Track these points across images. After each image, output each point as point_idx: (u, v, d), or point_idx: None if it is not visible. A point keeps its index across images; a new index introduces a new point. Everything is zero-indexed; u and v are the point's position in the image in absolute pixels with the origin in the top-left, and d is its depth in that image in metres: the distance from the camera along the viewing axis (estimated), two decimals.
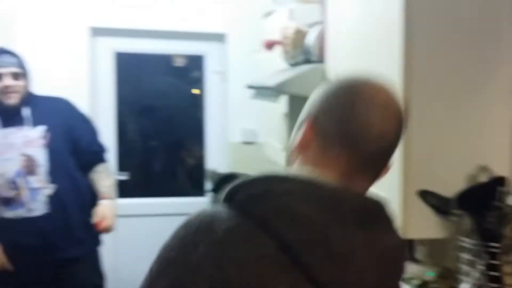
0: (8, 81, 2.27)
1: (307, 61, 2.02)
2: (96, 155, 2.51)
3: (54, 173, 2.31)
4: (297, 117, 2.37)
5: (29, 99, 2.36)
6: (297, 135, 0.95)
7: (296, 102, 2.29)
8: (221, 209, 0.84)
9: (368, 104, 0.89)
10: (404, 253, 1.12)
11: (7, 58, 2.30)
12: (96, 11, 3.28)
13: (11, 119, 2.31)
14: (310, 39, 1.91)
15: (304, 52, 1.98)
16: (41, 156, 2.31)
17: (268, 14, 2.79)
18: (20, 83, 2.31)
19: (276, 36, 2.26)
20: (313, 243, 0.80)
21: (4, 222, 2.29)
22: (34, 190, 2.29)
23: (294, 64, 2.19)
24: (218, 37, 3.53)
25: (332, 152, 0.90)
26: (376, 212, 0.89)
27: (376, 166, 0.93)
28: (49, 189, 2.30)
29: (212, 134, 3.62)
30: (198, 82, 3.71)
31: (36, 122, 2.34)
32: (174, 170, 3.83)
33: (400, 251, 0.95)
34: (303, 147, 0.93)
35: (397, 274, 0.92)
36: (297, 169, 0.92)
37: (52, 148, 2.33)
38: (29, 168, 2.29)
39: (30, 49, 3.12)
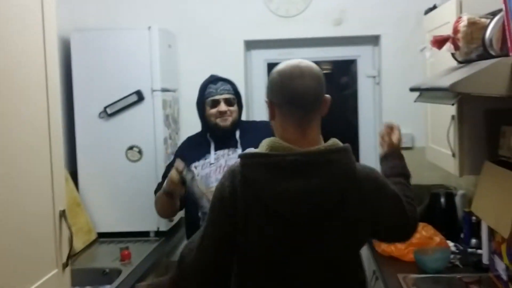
0: (223, 107, 2.37)
1: (482, 56, 1.81)
2: None
3: None
4: (469, 120, 2.14)
5: (240, 124, 2.46)
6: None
7: (468, 103, 2.08)
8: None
9: (290, 78, 1.50)
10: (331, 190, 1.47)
11: (222, 86, 2.41)
12: (249, 26, 3.36)
13: (224, 143, 2.42)
14: (489, 31, 1.70)
15: (480, 47, 1.77)
16: None
17: (429, 10, 2.60)
18: (233, 108, 2.41)
19: (442, 32, 2.07)
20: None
21: None
22: None
23: (464, 62, 1.99)
24: (372, 40, 3.40)
25: (286, 116, 1.52)
26: (309, 163, 1.46)
27: (314, 112, 1.54)
28: None
29: (366, 139, 3.48)
30: (347, 87, 3.61)
31: (245, 145, 2.40)
32: None
33: (327, 188, 1.46)
34: (271, 119, 1.58)
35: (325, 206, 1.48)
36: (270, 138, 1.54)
37: None
38: None
39: (192, 64, 3.33)
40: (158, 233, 2.95)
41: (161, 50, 2.94)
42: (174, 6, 3.36)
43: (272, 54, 3.51)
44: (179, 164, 2.29)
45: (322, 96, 1.55)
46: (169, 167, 2.51)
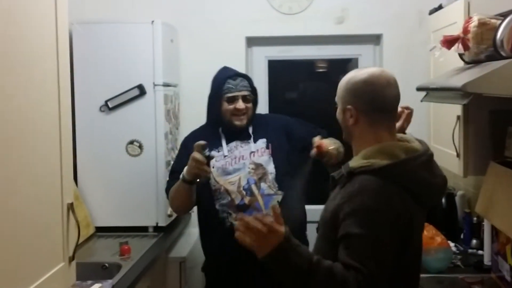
0: (240, 104, 2.34)
1: (491, 57, 1.82)
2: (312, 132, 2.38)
3: (280, 180, 2.34)
4: (474, 120, 2.16)
5: (253, 118, 2.44)
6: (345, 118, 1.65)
7: (474, 104, 2.09)
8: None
9: (382, 87, 1.59)
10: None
11: (242, 82, 2.38)
12: (251, 23, 3.35)
13: (236, 137, 2.40)
14: (500, 32, 1.70)
15: (490, 48, 1.78)
16: (269, 164, 2.36)
17: (435, 10, 2.60)
18: (249, 105, 2.39)
19: (448, 32, 2.08)
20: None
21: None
22: (267, 196, 2.32)
23: (472, 62, 2.00)
24: (373, 39, 3.41)
25: (377, 123, 1.61)
26: (431, 158, 1.64)
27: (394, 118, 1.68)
28: (279, 196, 2.32)
29: None
30: None
31: (256, 138, 2.42)
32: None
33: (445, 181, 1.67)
34: (352, 124, 1.62)
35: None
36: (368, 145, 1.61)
37: (276, 157, 2.37)
38: (260, 175, 2.35)
39: (194, 59, 3.31)
40: (156, 228, 2.92)
41: (163, 44, 2.91)
42: (176, 1, 3.34)
43: (272, 51, 3.50)
44: (199, 142, 2.20)
45: None
46: (178, 160, 2.46)
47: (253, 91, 2.42)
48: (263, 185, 2.32)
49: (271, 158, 2.37)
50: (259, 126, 2.45)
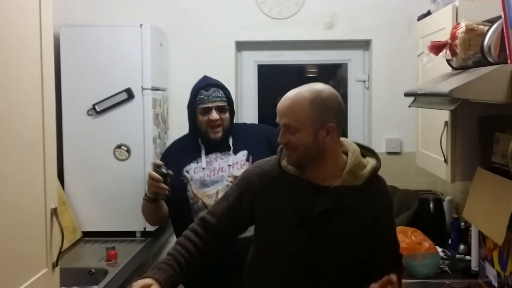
0: (215, 115, 2.31)
1: (479, 63, 1.82)
2: None
3: None
4: (462, 126, 2.17)
5: (231, 129, 2.40)
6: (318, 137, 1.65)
7: (461, 110, 2.09)
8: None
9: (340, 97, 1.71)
10: None
11: (215, 92, 2.34)
12: (241, 27, 3.35)
13: (215, 148, 2.37)
14: (487, 38, 1.71)
15: (478, 54, 1.78)
16: None
17: (423, 16, 2.61)
18: (224, 116, 2.35)
19: (436, 38, 2.08)
20: None
21: None
22: None
23: (460, 68, 2.00)
24: (363, 44, 3.42)
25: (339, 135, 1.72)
26: None
27: None
28: None
29: None
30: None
31: (237, 149, 2.38)
32: None
33: None
34: (335, 142, 1.71)
35: None
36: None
37: None
38: None
39: (182, 64, 3.30)
40: (144, 233, 2.90)
41: (152, 48, 2.90)
42: (165, 4, 3.32)
43: (262, 56, 3.50)
44: (156, 161, 2.24)
45: None
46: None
47: (229, 101, 2.38)
48: None
49: None
50: (240, 137, 2.41)
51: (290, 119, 1.63)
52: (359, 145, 1.79)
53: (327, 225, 1.67)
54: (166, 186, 2.20)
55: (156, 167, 2.21)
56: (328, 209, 1.65)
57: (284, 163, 1.74)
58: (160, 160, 2.56)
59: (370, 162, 1.74)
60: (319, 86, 1.68)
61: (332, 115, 1.65)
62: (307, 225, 1.67)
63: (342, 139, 1.76)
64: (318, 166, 1.68)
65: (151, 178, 2.20)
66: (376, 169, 1.73)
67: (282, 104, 1.68)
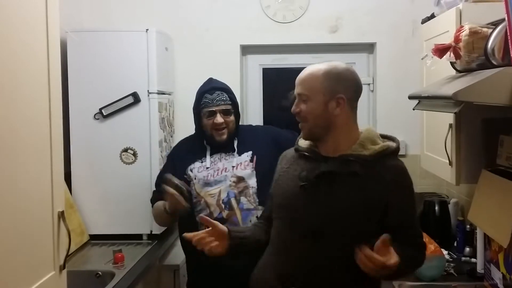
0: (219, 119, 2.33)
1: (483, 66, 1.83)
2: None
3: (262, 195, 2.30)
4: (467, 128, 2.17)
5: (237, 132, 2.42)
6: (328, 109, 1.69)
7: (466, 112, 2.09)
8: None
9: (357, 75, 1.75)
10: None
11: (219, 96, 2.36)
12: (246, 31, 3.37)
13: (220, 149, 2.39)
14: (491, 40, 1.72)
15: (482, 56, 1.79)
16: (251, 178, 2.34)
17: (427, 19, 2.62)
18: (229, 119, 2.36)
19: (440, 41, 2.09)
20: None
21: None
22: (246, 211, 2.30)
23: (464, 71, 2.01)
24: (367, 47, 3.43)
25: (354, 111, 1.74)
26: None
27: None
28: (259, 211, 2.29)
29: None
30: None
31: (242, 150, 2.39)
32: None
33: None
34: (338, 114, 1.70)
35: None
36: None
37: (260, 170, 2.34)
38: (241, 189, 2.33)
39: (188, 67, 3.32)
40: (151, 236, 2.92)
41: (158, 52, 2.92)
42: (171, 9, 3.35)
43: (267, 60, 3.52)
44: (170, 177, 2.21)
45: None
46: (163, 171, 2.48)
47: (233, 104, 2.40)
48: (243, 199, 2.30)
49: (254, 172, 2.34)
50: (246, 139, 2.43)
51: (303, 88, 1.71)
52: (382, 135, 1.82)
53: (330, 190, 1.65)
54: (185, 203, 2.18)
55: (171, 185, 2.19)
56: (331, 172, 1.66)
57: (298, 142, 1.86)
58: (166, 160, 2.59)
59: (387, 142, 1.75)
60: (337, 62, 1.75)
61: (343, 87, 1.68)
62: (309, 188, 1.69)
63: (364, 127, 1.79)
64: (330, 139, 1.72)
65: (168, 194, 2.18)
66: (391, 148, 1.72)
67: (300, 75, 1.77)
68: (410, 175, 1.76)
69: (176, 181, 2.20)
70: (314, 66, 1.74)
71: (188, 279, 2.49)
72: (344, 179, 1.66)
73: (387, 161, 1.69)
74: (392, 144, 1.74)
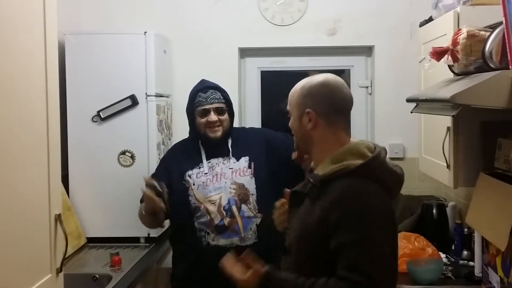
0: (213, 117, 2.33)
1: (481, 69, 1.83)
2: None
3: (261, 202, 2.31)
4: (464, 131, 2.16)
5: (231, 132, 2.41)
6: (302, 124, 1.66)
7: (464, 115, 2.10)
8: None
9: (339, 89, 1.65)
10: None
11: (212, 94, 2.36)
12: (244, 34, 3.37)
13: (215, 151, 2.38)
14: (488, 44, 1.72)
15: (479, 59, 1.79)
16: (251, 185, 2.33)
17: (425, 22, 2.63)
18: (223, 117, 2.36)
19: (438, 44, 2.09)
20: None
21: (215, 249, 2.26)
22: (246, 219, 2.30)
23: (461, 74, 2.01)
24: (365, 50, 3.43)
25: (334, 124, 1.64)
26: (386, 152, 1.65)
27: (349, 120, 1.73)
28: (258, 219, 2.30)
29: None
30: None
31: (238, 154, 2.38)
32: None
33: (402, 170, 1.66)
34: (311, 128, 1.63)
35: None
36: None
37: (259, 177, 2.35)
38: (242, 196, 2.32)
39: (186, 70, 3.32)
40: (148, 239, 2.91)
41: (156, 55, 2.92)
42: (169, 11, 3.35)
43: (265, 62, 3.52)
44: (148, 180, 2.22)
45: None
46: (156, 174, 2.46)
47: (227, 102, 2.40)
48: (243, 206, 2.30)
49: (253, 178, 2.34)
50: (239, 140, 2.42)
51: (288, 103, 1.73)
52: (373, 146, 1.65)
53: (296, 210, 1.66)
54: (162, 206, 2.18)
55: (150, 187, 2.19)
56: (295, 192, 1.68)
57: None
58: (160, 163, 2.58)
59: (350, 161, 1.56)
60: (319, 75, 1.70)
61: (312, 102, 1.64)
62: (290, 205, 1.73)
63: (360, 141, 1.67)
64: (312, 155, 1.70)
65: (146, 197, 2.19)
66: (348, 168, 1.53)
67: None
68: (406, 179, 1.66)
69: (155, 183, 2.20)
70: (301, 81, 1.72)
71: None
72: (305, 200, 1.63)
73: (338, 181, 1.52)
74: (354, 162, 1.53)
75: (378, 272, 1.40)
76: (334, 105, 1.64)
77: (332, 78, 1.67)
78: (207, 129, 2.35)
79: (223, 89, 2.43)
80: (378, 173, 1.53)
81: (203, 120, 2.34)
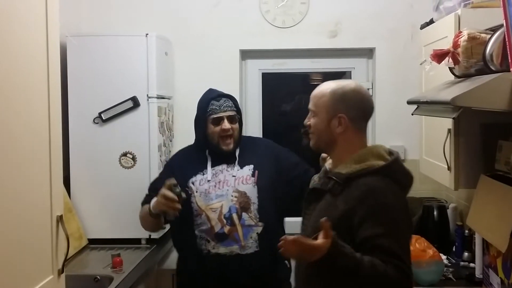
0: (227, 124, 2.32)
1: (481, 71, 1.84)
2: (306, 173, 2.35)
3: (263, 211, 2.30)
4: (465, 133, 2.17)
5: (240, 140, 2.41)
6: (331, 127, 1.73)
7: (464, 117, 2.10)
8: None
9: (368, 97, 1.78)
10: None
11: (225, 102, 2.35)
12: (245, 36, 3.37)
13: (222, 160, 2.37)
14: (489, 46, 1.72)
15: (480, 62, 1.80)
16: (253, 194, 2.33)
17: (426, 24, 2.63)
18: (235, 126, 2.36)
19: (439, 46, 2.10)
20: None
21: (216, 257, 2.28)
22: (247, 227, 2.29)
23: (462, 76, 2.02)
24: (366, 52, 3.44)
25: (359, 130, 1.75)
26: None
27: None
28: (259, 227, 2.29)
29: None
30: None
31: (243, 162, 2.38)
32: None
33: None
34: (340, 132, 1.72)
35: None
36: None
37: (261, 186, 2.34)
38: (243, 204, 2.31)
39: (188, 72, 3.33)
40: (149, 241, 2.91)
41: (157, 57, 2.92)
42: (171, 14, 3.36)
43: (266, 64, 3.52)
44: (171, 181, 2.20)
45: None
46: (156, 182, 2.47)
47: (238, 111, 2.40)
48: (244, 215, 2.29)
49: (256, 187, 2.33)
50: (247, 149, 2.42)
51: (312, 103, 1.80)
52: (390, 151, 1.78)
53: (315, 207, 1.74)
54: (179, 207, 2.18)
55: (172, 186, 2.18)
56: (314, 189, 1.78)
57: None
58: (164, 169, 2.58)
59: (373, 161, 1.68)
60: (348, 81, 1.81)
61: (346, 107, 1.71)
62: (305, 203, 1.81)
63: (378, 145, 1.80)
64: (333, 155, 1.79)
65: (165, 197, 2.17)
66: (371, 168, 1.65)
67: (314, 90, 1.83)
68: None
69: (179, 189, 2.19)
70: (326, 83, 1.79)
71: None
72: (325, 196, 1.71)
73: (362, 180, 1.64)
74: (377, 163, 1.66)
75: (407, 257, 1.58)
76: (365, 111, 1.76)
77: (362, 86, 1.80)
78: (221, 140, 2.33)
79: (234, 97, 2.43)
80: (397, 174, 1.68)
81: (217, 128, 2.33)
